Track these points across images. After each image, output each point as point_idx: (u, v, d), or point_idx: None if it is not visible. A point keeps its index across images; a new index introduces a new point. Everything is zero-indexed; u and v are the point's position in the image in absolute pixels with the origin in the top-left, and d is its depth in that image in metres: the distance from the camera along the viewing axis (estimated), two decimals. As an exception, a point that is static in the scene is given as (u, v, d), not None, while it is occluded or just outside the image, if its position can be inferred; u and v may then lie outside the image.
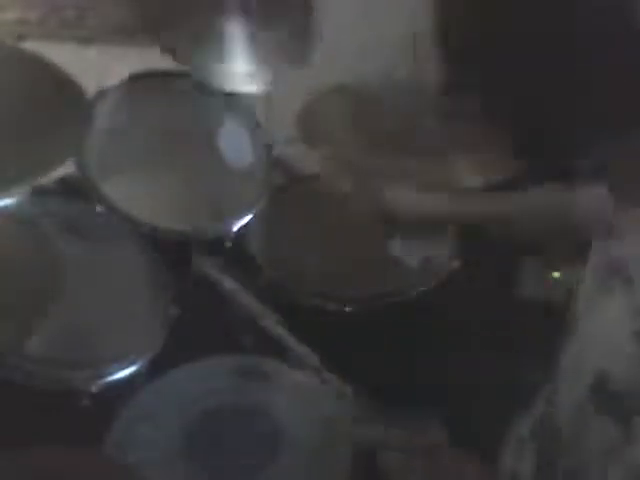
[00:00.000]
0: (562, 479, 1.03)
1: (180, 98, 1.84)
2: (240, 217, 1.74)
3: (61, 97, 1.60)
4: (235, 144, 1.85)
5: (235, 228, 1.73)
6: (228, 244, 1.74)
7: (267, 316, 1.57)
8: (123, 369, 1.49)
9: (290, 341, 1.51)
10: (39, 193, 1.84)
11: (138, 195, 1.72)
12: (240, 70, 1.79)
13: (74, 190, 1.75)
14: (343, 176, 1.81)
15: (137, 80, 1.81)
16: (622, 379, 0.91)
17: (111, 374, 1.48)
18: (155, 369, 1.53)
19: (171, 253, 1.68)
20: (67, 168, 1.65)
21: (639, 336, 0.89)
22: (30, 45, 1.89)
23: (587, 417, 0.96)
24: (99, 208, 1.67)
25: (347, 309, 1.64)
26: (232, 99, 1.94)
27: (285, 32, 1.81)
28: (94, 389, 1.46)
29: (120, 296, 1.62)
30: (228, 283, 1.71)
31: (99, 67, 1.92)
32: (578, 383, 0.99)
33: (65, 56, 1.66)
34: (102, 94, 1.75)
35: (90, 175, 1.68)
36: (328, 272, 1.70)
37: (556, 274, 1.88)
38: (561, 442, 1.03)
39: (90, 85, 1.66)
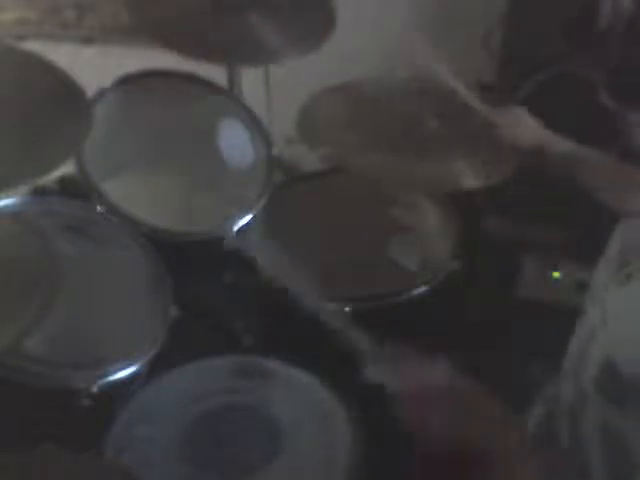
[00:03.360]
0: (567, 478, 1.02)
1: (180, 98, 1.84)
2: (240, 217, 1.74)
3: (61, 97, 1.59)
4: (235, 144, 1.85)
5: (235, 228, 1.73)
6: (228, 244, 1.74)
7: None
8: (123, 369, 1.49)
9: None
10: (39, 193, 1.85)
11: (138, 195, 1.72)
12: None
13: (74, 190, 1.75)
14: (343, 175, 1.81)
15: (137, 80, 1.81)
16: (630, 370, 0.90)
17: (111, 374, 1.48)
18: (155, 369, 1.53)
19: (171, 253, 1.68)
20: (67, 168, 1.65)
21: None
22: (30, 45, 1.90)
23: (590, 405, 0.95)
24: (99, 208, 1.67)
25: (347, 309, 1.64)
26: (232, 99, 1.95)
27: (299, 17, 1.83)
28: (94, 389, 1.46)
29: (120, 296, 1.62)
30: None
31: (99, 67, 1.92)
32: (585, 370, 0.99)
33: (65, 56, 1.66)
34: (102, 94, 1.75)
35: (90, 175, 1.68)
36: (328, 272, 1.70)
37: (556, 274, 1.88)
38: (563, 441, 1.02)
39: (90, 85, 1.66)
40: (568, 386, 1.05)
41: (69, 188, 1.86)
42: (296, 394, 1.51)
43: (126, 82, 1.80)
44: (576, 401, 1.00)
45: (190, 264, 1.74)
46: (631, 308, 0.94)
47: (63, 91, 1.60)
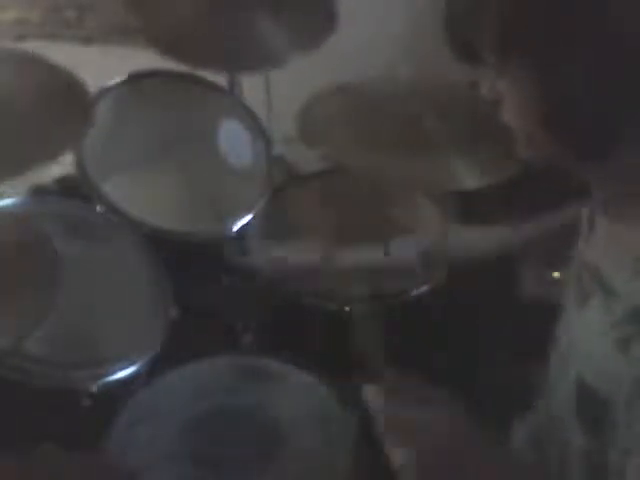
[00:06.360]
0: None
1: (180, 98, 1.84)
2: (240, 217, 1.74)
3: (61, 97, 1.59)
4: (235, 144, 1.85)
5: (235, 228, 1.73)
6: (228, 244, 1.74)
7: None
8: (123, 369, 1.49)
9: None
10: (39, 193, 1.85)
11: (138, 195, 1.72)
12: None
13: (74, 190, 1.75)
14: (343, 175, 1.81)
15: (137, 80, 1.81)
16: (604, 389, 0.88)
17: (111, 374, 1.48)
18: (155, 369, 1.53)
19: (171, 253, 1.68)
20: (67, 168, 1.65)
21: (620, 344, 0.87)
22: (30, 45, 1.89)
23: (571, 428, 0.94)
24: (99, 208, 1.67)
25: (347, 309, 1.64)
26: (232, 99, 1.95)
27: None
28: (94, 389, 1.46)
29: (120, 296, 1.62)
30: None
31: (99, 67, 1.92)
32: (562, 393, 0.98)
33: (65, 56, 1.66)
34: (102, 94, 1.75)
35: (90, 175, 1.68)
36: (328, 272, 1.70)
37: (556, 274, 1.88)
38: (552, 451, 1.02)
39: (90, 85, 1.66)
40: (553, 400, 1.04)
41: (69, 188, 1.86)
42: (296, 394, 1.51)
43: (126, 82, 1.80)
44: (560, 420, 0.99)
45: (190, 264, 1.74)
46: (594, 328, 0.92)
47: (63, 91, 1.60)
